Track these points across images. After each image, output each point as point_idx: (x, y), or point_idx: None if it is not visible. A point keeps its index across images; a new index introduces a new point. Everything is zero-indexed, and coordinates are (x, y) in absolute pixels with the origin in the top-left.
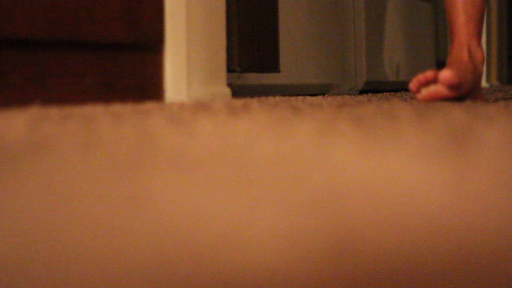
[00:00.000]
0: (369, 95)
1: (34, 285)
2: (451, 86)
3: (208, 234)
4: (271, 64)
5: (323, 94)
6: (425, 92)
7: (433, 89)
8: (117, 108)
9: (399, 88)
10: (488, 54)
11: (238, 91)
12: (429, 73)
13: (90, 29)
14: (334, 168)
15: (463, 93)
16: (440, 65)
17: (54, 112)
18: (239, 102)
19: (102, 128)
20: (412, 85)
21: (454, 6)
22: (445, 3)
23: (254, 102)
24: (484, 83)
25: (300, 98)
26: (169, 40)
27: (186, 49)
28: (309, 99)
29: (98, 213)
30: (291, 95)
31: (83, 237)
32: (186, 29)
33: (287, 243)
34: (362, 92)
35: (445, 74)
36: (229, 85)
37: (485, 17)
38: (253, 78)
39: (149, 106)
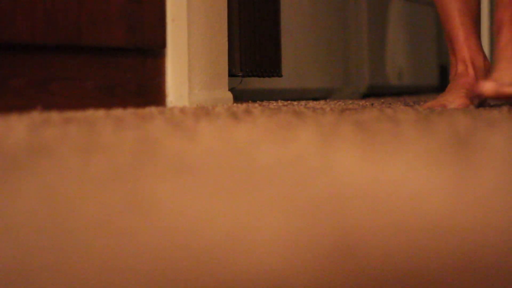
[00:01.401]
0: (372, 99)
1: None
2: None
3: (209, 237)
4: (273, 68)
5: (325, 99)
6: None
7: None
8: (118, 112)
9: (401, 92)
10: (491, 58)
11: (240, 96)
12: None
13: (92, 33)
14: (337, 172)
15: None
16: (443, 69)
17: (55, 116)
18: (241, 107)
19: (104, 132)
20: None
21: (452, 20)
22: (440, 16)
23: (256, 106)
24: None
25: (303, 102)
26: (171, 44)
27: (187, 53)
28: (311, 103)
29: (100, 216)
30: (293, 99)
31: (84, 240)
32: (188, 34)
33: (289, 246)
34: (364, 96)
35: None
36: (231, 89)
37: (487, 19)
38: (255, 83)
39: (151, 110)
